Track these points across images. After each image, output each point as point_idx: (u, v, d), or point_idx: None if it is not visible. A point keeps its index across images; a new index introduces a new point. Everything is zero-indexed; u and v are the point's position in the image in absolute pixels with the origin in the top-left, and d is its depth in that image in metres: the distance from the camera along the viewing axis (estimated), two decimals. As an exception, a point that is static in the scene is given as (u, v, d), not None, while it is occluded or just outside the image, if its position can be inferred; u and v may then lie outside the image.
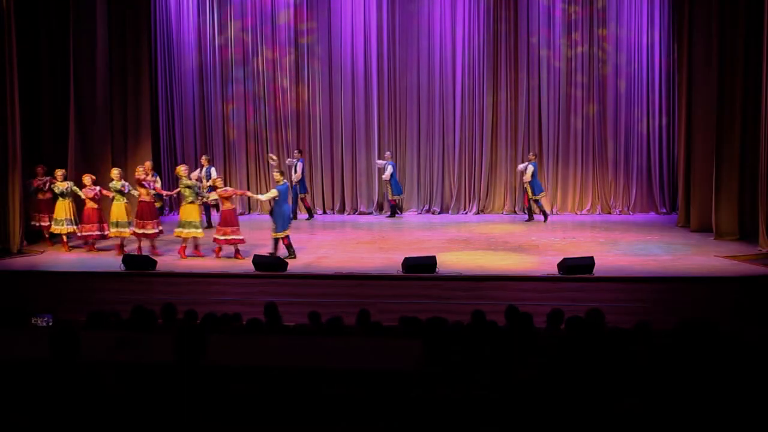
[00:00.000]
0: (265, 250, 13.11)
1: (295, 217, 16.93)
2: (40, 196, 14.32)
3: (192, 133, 18.08)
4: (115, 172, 13.75)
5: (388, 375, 4.71)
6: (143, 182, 13.45)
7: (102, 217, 13.84)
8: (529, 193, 16.57)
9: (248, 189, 17.25)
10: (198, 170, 15.91)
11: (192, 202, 13.28)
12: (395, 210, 17.49)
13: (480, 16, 17.54)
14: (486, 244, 14.44)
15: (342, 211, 18.12)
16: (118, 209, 13.56)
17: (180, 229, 13.25)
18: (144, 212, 13.47)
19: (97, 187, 13.74)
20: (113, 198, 13.65)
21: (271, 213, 13.13)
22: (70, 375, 4.45)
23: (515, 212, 17.63)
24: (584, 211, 17.66)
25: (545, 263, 12.39)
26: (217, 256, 13.14)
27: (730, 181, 14.20)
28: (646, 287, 11.51)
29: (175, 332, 4.74)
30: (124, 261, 12.45)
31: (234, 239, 13.02)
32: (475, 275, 11.98)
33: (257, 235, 14.04)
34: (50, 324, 8.38)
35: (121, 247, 13.63)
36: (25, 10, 14.35)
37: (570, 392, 4.61)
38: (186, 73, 17.95)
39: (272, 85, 17.97)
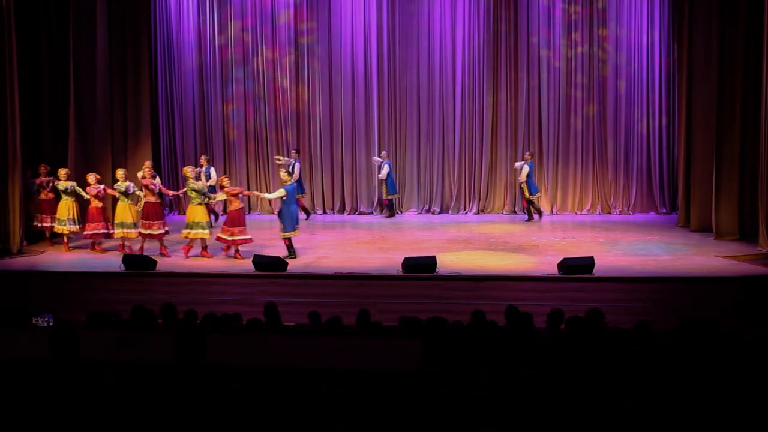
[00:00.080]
0: (268, 250, 13.10)
1: (308, 216, 17.00)
2: (43, 196, 14.29)
3: (192, 133, 18.08)
4: (120, 173, 13.72)
5: (388, 375, 4.71)
6: (149, 185, 13.42)
7: (107, 216, 13.83)
8: (526, 193, 16.59)
9: (248, 189, 17.25)
10: (198, 170, 15.92)
11: (199, 204, 13.26)
12: (394, 210, 17.48)
13: (480, 16, 17.54)
14: (486, 244, 14.44)
15: (342, 211, 18.12)
16: (123, 210, 13.54)
17: (187, 230, 13.22)
18: (150, 213, 13.43)
19: (102, 186, 13.74)
20: (118, 198, 13.64)
21: (279, 213, 13.11)
22: (70, 375, 4.45)
23: (515, 212, 17.63)
24: (584, 211, 17.66)
25: (545, 263, 12.39)
26: (227, 255, 13.11)
27: (730, 181, 14.20)
28: (646, 287, 11.51)
29: (175, 332, 4.74)
30: (124, 261, 12.45)
31: (242, 239, 13.01)
32: (475, 275, 11.98)
33: (258, 235, 14.03)
34: (51, 324, 8.38)
35: (124, 247, 13.60)
36: (25, 10, 14.35)
37: (570, 392, 4.61)
38: (186, 73, 17.95)
39: (272, 85, 17.97)
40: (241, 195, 13.53)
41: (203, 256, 13.27)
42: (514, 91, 17.63)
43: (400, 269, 11.98)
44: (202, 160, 16.15)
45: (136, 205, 13.70)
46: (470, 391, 4.55)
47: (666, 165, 17.39)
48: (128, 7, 16.26)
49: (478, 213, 17.77)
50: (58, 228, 13.92)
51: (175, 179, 17.64)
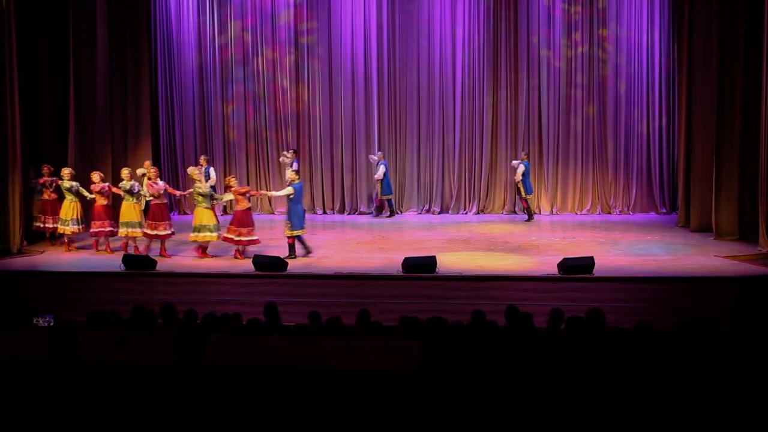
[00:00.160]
0: (271, 251, 13.09)
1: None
2: (45, 196, 14.26)
3: (192, 133, 18.08)
4: (125, 171, 13.70)
5: (388, 375, 4.71)
6: (152, 184, 13.38)
7: (112, 214, 13.80)
8: (522, 192, 16.61)
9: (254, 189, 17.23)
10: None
11: (206, 207, 13.23)
12: (393, 210, 17.48)
13: (480, 16, 17.54)
14: (486, 244, 14.44)
15: (342, 211, 18.12)
16: (128, 209, 13.51)
17: (195, 234, 13.18)
18: (156, 214, 13.41)
19: (106, 183, 13.73)
20: (123, 197, 13.63)
21: (288, 212, 13.09)
22: (70, 375, 4.45)
23: (515, 212, 17.63)
24: (584, 211, 17.66)
25: (545, 263, 12.39)
26: (236, 257, 13.07)
27: (730, 181, 14.20)
28: (646, 287, 11.51)
29: (175, 332, 4.74)
30: (124, 261, 12.45)
31: (249, 240, 13.00)
32: (475, 275, 11.98)
33: (258, 235, 14.00)
34: (51, 324, 8.37)
35: (128, 247, 13.57)
36: (25, 10, 14.35)
37: (570, 392, 4.61)
38: (186, 73, 17.95)
39: (272, 85, 17.98)
40: (248, 195, 13.51)
41: (202, 257, 13.25)
42: (514, 91, 17.63)
43: (400, 269, 11.98)
44: (202, 160, 16.14)
45: (140, 203, 13.69)
46: (470, 391, 4.55)
47: (666, 165, 17.39)
48: (128, 7, 16.27)
49: (478, 213, 17.78)
50: (62, 228, 13.86)
51: (175, 179, 17.64)
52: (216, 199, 13.71)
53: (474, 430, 4.28)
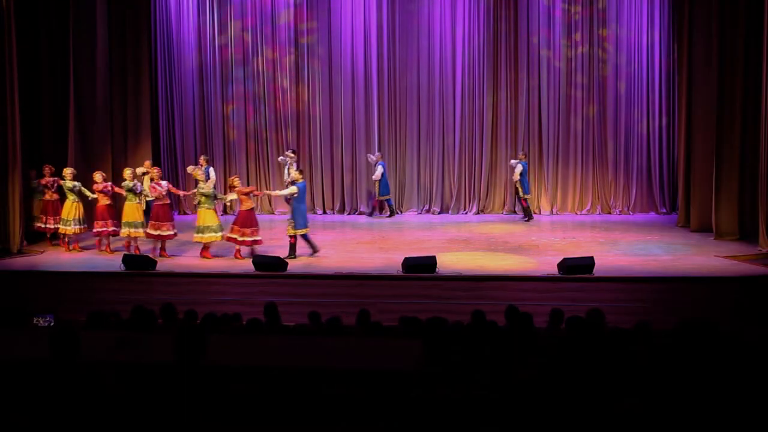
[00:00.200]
0: (275, 251, 13.08)
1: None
2: (47, 197, 14.23)
3: (192, 133, 18.08)
4: (127, 171, 13.67)
5: (388, 375, 4.71)
6: (156, 184, 13.36)
7: (114, 214, 13.78)
8: (520, 192, 16.62)
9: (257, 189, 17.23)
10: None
11: (208, 208, 13.22)
12: (393, 210, 17.48)
13: (480, 16, 17.54)
14: (486, 244, 14.44)
15: (342, 211, 18.12)
16: (130, 209, 13.49)
17: (200, 235, 13.17)
18: (159, 214, 13.39)
19: (108, 183, 13.72)
20: (125, 197, 13.61)
21: (292, 211, 13.09)
22: (70, 375, 4.45)
23: (515, 212, 17.62)
24: (584, 211, 17.66)
25: (545, 263, 12.39)
26: (236, 257, 13.04)
27: (730, 181, 14.21)
28: (646, 287, 11.52)
29: (175, 332, 4.74)
30: (124, 261, 12.45)
31: (253, 240, 13.00)
32: (475, 275, 11.99)
33: (260, 235, 13.99)
34: (52, 324, 8.37)
35: (130, 247, 13.55)
36: (25, 10, 14.35)
37: (570, 392, 4.61)
38: (186, 73, 17.95)
39: (272, 85, 17.97)
40: (252, 194, 13.50)
41: (203, 257, 13.26)
42: (514, 91, 17.63)
43: (400, 269, 11.98)
44: (202, 160, 16.12)
45: (141, 203, 13.69)
46: (470, 391, 4.55)
47: (666, 165, 17.39)
48: (128, 7, 16.26)
49: (478, 213, 17.78)
50: (63, 228, 13.83)
51: (175, 179, 17.62)
52: (220, 198, 13.70)
53: (474, 430, 4.28)
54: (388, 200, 17.43)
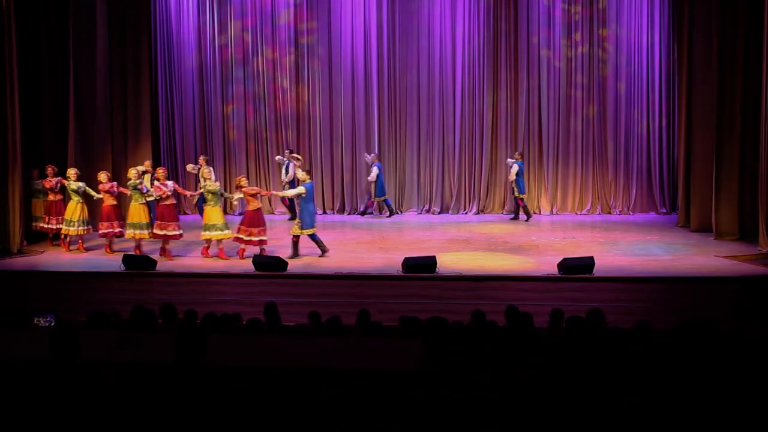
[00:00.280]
0: (282, 251, 13.09)
1: (294, 217, 16.99)
2: (51, 197, 14.22)
3: (192, 133, 18.08)
4: (133, 171, 13.64)
5: (388, 375, 4.71)
6: (161, 184, 13.34)
7: (120, 214, 13.75)
8: (516, 192, 16.62)
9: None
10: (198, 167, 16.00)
11: (214, 205, 13.22)
12: (392, 210, 17.48)
13: (480, 16, 17.54)
14: (486, 244, 14.44)
15: (342, 211, 18.12)
16: (135, 210, 13.45)
17: (207, 233, 13.17)
18: (165, 214, 13.37)
19: (114, 183, 13.70)
20: (131, 198, 13.59)
21: (300, 211, 13.09)
22: (70, 375, 4.45)
23: (513, 212, 17.60)
24: (584, 211, 17.66)
25: (545, 263, 12.39)
26: (241, 258, 13.00)
27: (730, 181, 14.20)
28: (646, 287, 11.51)
29: (175, 332, 4.74)
30: (124, 261, 12.45)
31: (260, 240, 12.99)
32: (475, 275, 11.98)
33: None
34: (52, 324, 8.37)
35: (139, 248, 13.52)
36: (25, 10, 14.35)
37: (570, 392, 4.61)
38: (186, 73, 17.95)
39: (272, 85, 17.98)
40: (258, 195, 13.50)
41: (203, 255, 13.24)
42: (514, 91, 17.63)
43: (400, 269, 11.98)
44: (201, 160, 16.14)
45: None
46: (470, 391, 4.55)
47: (666, 165, 17.39)
48: (128, 7, 16.26)
49: (478, 213, 17.78)
50: (66, 229, 13.77)
51: (175, 179, 17.55)
52: (226, 197, 13.71)
53: (474, 430, 4.28)
54: (386, 200, 17.43)
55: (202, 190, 13.67)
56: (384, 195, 17.31)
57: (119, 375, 4.68)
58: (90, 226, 13.96)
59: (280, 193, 14.79)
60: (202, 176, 13.70)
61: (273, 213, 17.90)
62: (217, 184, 13.74)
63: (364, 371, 4.78)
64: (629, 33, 17.30)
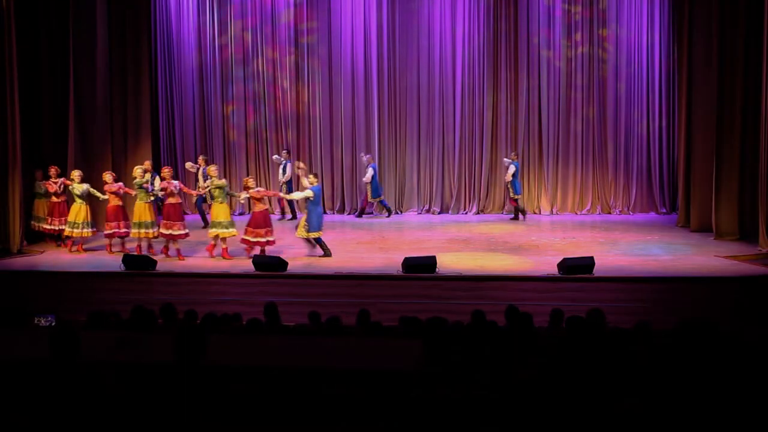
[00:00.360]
0: (288, 251, 13.08)
1: (294, 217, 17.01)
2: (54, 199, 14.19)
3: (192, 133, 18.08)
4: (138, 170, 13.62)
5: (388, 375, 4.71)
6: (167, 184, 13.33)
7: (126, 214, 13.73)
8: (511, 192, 16.63)
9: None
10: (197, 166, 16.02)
11: (221, 202, 13.22)
12: (391, 210, 17.48)
13: (480, 16, 17.54)
14: (486, 244, 14.44)
15: (342, 211, 18.12)
16: (141, 209, 13.43)
17: (213, 229, 13.17)
18: (171, 213, 13.34)
19: (120, 183, 13.69)
20: (136, 197, 13.58)
21: (307, 213, 13.08)
22: (70, 375, 4.45)
23: (511, 212, 17.61)
24: (584, 211, 17.66)
25: (545, 263, 12.39)
26: (249, 256, 12.99)
27: (730, 181, 14.20)
28: (646, 287, 11.51)
29: (175, 332, 4.74)
30: (124, 261, 12.45)
31: (267, 241, 12.98)
32: (475, 275, 11.98)
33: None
34: (53, 324, 8.37)
35: (149, 247, 13.49)
36: (25, 10, 14.34)
37: (570, 392, 4.61)
38: (186, 73, 17.95)
39: (272, 85, 17.98)
40: (265, 197, 13.50)
41: (223, 257, 13.15)
42: (514, 91, 17.63)
43: (400, 269, 11.98)
44: (200, 160, 16.16)
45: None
46: (470, 391, 4.55)
47: (666, 165, 17.39)
48: (128, 7, 16.25)
49: (477, 213, 17.78)
50: (70, 231, 13.72)
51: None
52: (234, 196, 13.71)
53: (474, 430, 4.28)
54: (382, 201, 17.41)
55: (209, 188, 13.67)
56: (380, 196, 17.29)
57: (119, 375, 4.68)
58: (95, 229, 13.94)
59: (288, 196, 14.70)
60: (208, 174, 13.69)
61: (273, 213, 17.88)
62: (224, 180, 13.75)
63: (364, 371, 4.78)
64: (629, 33, 17.30)
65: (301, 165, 16.47)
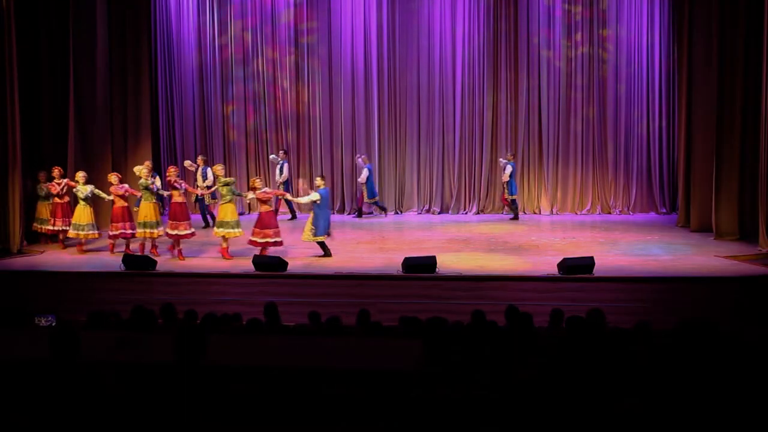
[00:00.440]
0: (293, 251, 13.08)
1: (294, 217, 17.02)
2: (57, 200, 14.16)
3: (192, 133, 18.08)
4: (144, 170, 13.59)
5: (388, 375, 4.71)
6: (174, 183, 13.32)
7: (131, 215, 13.73)
8: (506, 193, 16.63)
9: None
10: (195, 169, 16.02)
11: (229, 201, 13.20)
12: (384, 207, 17.49)
13: (480, 16, 17.55)
14: (486, 244, 14.44)
15: (342, 211, 18.11)
16: (146, 209, 13.39)
17: (220, 229, 13.15)
18: (176, 213, 13.30)
19: (125, 185, 13.67)
20: (141, 197, 13.56)
21: (314, 217, 13.06)
22: (70, 375, 4.45)
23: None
24: (584, 211, 17.66)
25: (545, 263, 12.39)
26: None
27: (730, 181, 14.20)
28: (646, 287, 11.51)
29: (175, 332, 4.74)
30: (124, 261, 12.45)
31: (275, 242, 12.97)
32: (475, 275, 11.98)
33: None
34: (53, 324, 8.37)
35: (152, 247, 13.47)
36: (25, 10, 14.35)
37: (570, 392, 4.61)
38: (186, 73, 17.96)
39: (272, 85, 17.99)
40: (271, 199, 13.48)
41: (223, 257, 13.11)
42: (514, 91, 17.64)
43: (400, 269, 11.98)
44: (199, 160, 16.15)
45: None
46: (470, 391, 4.55)
47: (666, 165, 17.40)
48: (128, 7, 16.26)
49: (477, 213, 17.79)
50: (73, 233, 13.70)
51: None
52: (242, 195, 13.71)
53: (474, 430, 4.28)
54: (376, 202, 17.39)
55: (215, 187, 13.65)
56: (375, 197, 17.27)
57: (119, 375, 4.68)
58: (99, 230, 13.92)
59: (295, 199, 14.61)
60: (215, 173, 13.67)
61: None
62: (232, 178, 13.74)
63: (364, 371, 4.78)
64: (629, 33, 17.30)
65: (301, 184, 16.36)
